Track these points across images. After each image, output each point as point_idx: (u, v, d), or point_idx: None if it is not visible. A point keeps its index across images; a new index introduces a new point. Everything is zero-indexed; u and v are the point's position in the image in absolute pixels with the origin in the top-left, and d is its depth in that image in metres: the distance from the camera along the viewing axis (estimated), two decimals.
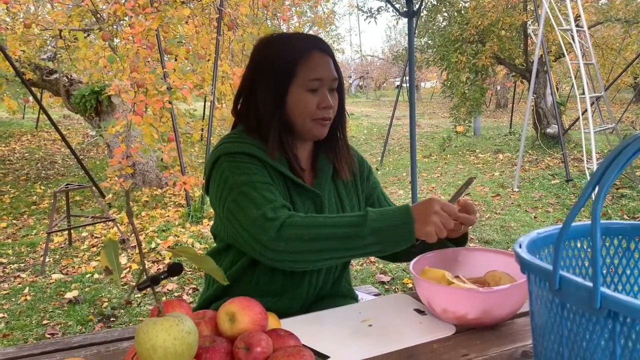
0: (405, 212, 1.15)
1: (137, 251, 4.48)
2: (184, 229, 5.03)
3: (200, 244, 4.63)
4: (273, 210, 1.18)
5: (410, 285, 3.59)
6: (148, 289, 0.85)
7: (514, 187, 6.25)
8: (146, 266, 4.12)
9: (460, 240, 1.41)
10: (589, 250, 0.97)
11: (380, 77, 29.10)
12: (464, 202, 1.31)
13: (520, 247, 0.88)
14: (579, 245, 0.97)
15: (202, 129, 7.64)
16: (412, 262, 1.24)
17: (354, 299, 1.51)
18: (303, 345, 0.96)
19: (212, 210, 5.58)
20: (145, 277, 0.85)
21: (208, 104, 10.36)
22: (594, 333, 0.71)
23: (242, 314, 0.98)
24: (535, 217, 5.10)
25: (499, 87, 16.77)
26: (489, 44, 8.11)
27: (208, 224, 5.17)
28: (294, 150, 1.37)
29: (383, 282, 3.71)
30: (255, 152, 1.30)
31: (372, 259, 4.12)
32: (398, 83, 32.29)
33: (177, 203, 6.07)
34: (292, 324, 1.11)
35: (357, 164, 1.50)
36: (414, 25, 3.22)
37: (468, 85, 8.33)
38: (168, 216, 5.52)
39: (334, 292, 1.44)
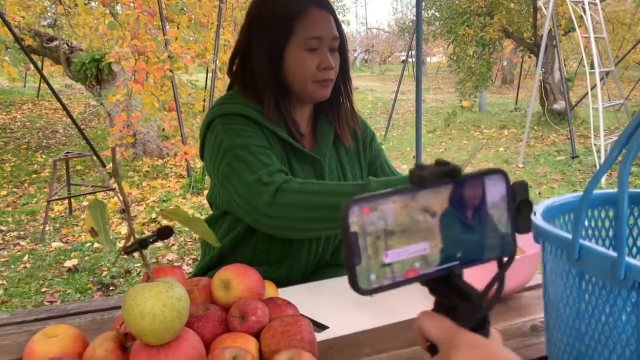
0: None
1: (137, 221, 4.45)
2: (184, 200, 4.99)
3: (201, 215, 4.59)
4: (269, 174, 1.12)
5: None
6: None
7: (519, 163, 6.18)
8: (145, 235, 4.09)
9: None
10: (606, 220, 0.91)
11: (385, 50, 28.70)
12: None
13: (534, 214, 0.82)
14: (596, 214, 0.91)
15: (204, 100, 7.55)
16: None
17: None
18: (301, 314, 0.91)
19: None
20: (133, 240, 0.80)
21: (210, 74, 10.23)
22: (615, 306, 0.66)
23: (237, 281, 0.93)
24: (539, 193, 5.04)
25: (505, 63, 16.53)
26: (497, 16, 7.93)
27: (211, 190, 5.13)
28: (292, 113, 1.29)
29: None
30: (251, 114, 1.23)
31: None
32: (403, 57, 31.89)
33: (178, 174, 6.02)
34: (291, 294, 1.06)
35: (359, 129, 1.43)
36: None
37: (475, 59, 8.18)
38: (169, 187, 5.48)
39: (334, 262, 1.39)
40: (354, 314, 1.07)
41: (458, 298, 0.51)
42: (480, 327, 0.51)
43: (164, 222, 4.35)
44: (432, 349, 0.52)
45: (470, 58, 8.18)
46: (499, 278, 0.52)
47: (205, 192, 5.21)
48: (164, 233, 0.84)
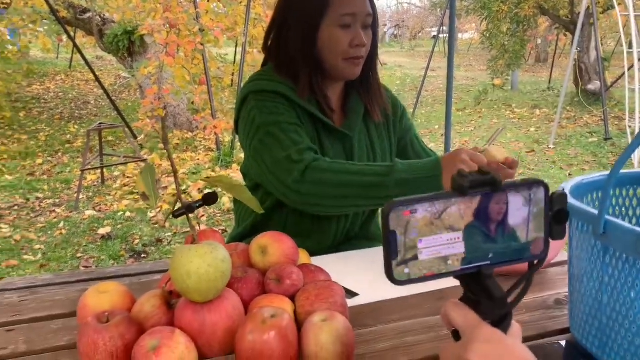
0: (434, 164, 1.11)
1: (167, 192, 4.56)
2: (214, 173, 5.08)
3: None
4: (298, 153, 1.16)
5: None
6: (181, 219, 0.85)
7: (550, 144, 6.10)
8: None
9: None
10: (634, 199, 0.93)
11: (416, 26, 28.22)
12: (509, 158, 1.24)
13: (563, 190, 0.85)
14: (624, 193, 0.93)
15: (233, 74, 7.59)
16: None
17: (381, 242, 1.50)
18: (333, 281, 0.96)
19: (241, 155, 5.62)
20: (180, 205, 0.85)
21: (239, 49, 10.25)
22: (638, 279, 0.69)
23: (274, 247, 0.98)
24: (570, 175, 4.99)
25: (539, 41, 16.13)
26: None
27: (237, 169, 5.21)
28: (324, 90, 1.32)
29: None
30: (284, 91, 1.27)
31: None
32: (434, 33, 31.30)
33: (207, 147, 6.12)
34: (321, 262, 1.11)
35: (390, 105, 1.45)
36: None
37: (508, 36, 8.01)
38: (198, 159, 5.58)
39: (363, 235, 1.44)
40: (381, 284, 1.10)
41: (483, 295, 0.55)
42: (501, 322, 0.56)
43: (194, 194, 4.45)
44: (456, 334, 0.57)
45: (504, 35, 8.01)
46: (527, 278, 0.57)
47: (234, 165, 5.31)
48: (210, 199, 0.89)
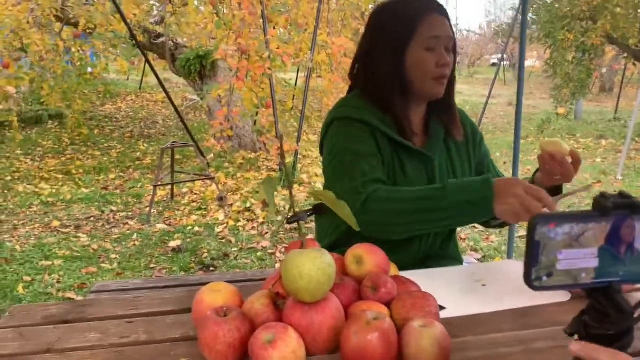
0: (485, 187, 1.13)
1: (233, 209, 4.72)
2: (276, 192, 5.22)
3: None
4: (364, 185, 1.25)
5: None
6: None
7: (618, 175, 5.91)
8: (240, 223, 4.30)
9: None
10: None
11: (475, 53, 28.06)
12: (574, 152, 1.25)
13: None
14: None
15: (294, 97, 7.81)
16: None
17: (460, 262, 1.54)
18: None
19: (302, 176, 5.74)
20: (293, 213, 0.94)
21: (301, 74, 10.51)
22: None
23: (368, 257, 1.06)
24: None
25: (604, 70, 15.69)
26: (601, 21, 7.58)
27: (299, 189, 5.33)
28: (407, 112, 1.40)
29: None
30: (367, 118, 1.35)
31: (462, 235, 4.10)
32: (494, 61, 31.06)
33: (269, 167, 6.30)
34: (407, 276, 1.17)
35: (469, 128, 1.52)
36: None
37: (574, 65, 7.87)
38: (261, 179, 5.75)
39: (443, 254, 1.48)
40: (468, 299, 1.15)
41: (612, 308, 0.62)
42: (626, 334, 0.62)
43: (258, 212, 4.58)
44: None
45: (569, 64, 7.87)
46: None
47: (295, 186, 5.43)
48: (319, 209, 0.98)
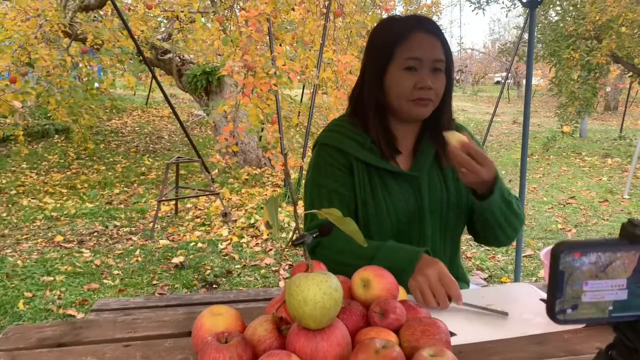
0: (411, 260, 1.19)
1: (237, 225, 4.69)
2: (280, 208, 5.19)
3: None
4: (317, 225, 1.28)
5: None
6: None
7: (625, 194, 5.86)
8: (244, 239, 4.26)
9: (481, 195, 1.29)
10: None
11: (479, 71, 28.14)
12: (465, 142, 1.18)
13: None
14: None
15: (300, 114, 7.81)
16: (542, 252, 1.22)
17: (466, 283, 1.50)
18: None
19: None
20: (298, 234, 0.90)
21: (307, 90, 10.54)
22: None
23: (376, 281, 1.02)
24: None
25: (609, 89, 15.69)
26: (606, 41, 7.58)
27: (303, 205, 5.29)
28: (393, 131, 1.38)
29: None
30: (344, 147, 1.35)
31: (468, 254, 4.04)
32: (498, 79, 31.14)
33: (274, 183, 6.27)
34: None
35: None
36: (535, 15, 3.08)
37: (579, 83, 7.85)
38: (265, 195, 5.72)
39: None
40: (480, 325, 1.11)
41: None
42: None
43: (262, 228, 4.54)
44: None
45: (574, 82, 7.86)
46: None
47: (300, 202, 5.40)
48: (326, 230, 0.95)
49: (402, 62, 1.29)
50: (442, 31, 1.35)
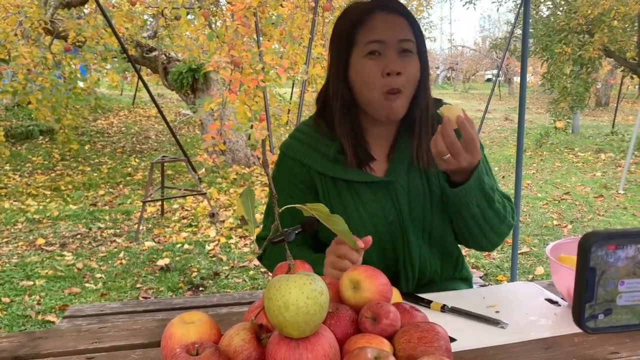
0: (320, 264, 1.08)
1: (225, 226, 4.57)
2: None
3: None
4: (263, 240, 1.24)
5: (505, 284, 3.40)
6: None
7: (619, 189, 5.80)
8: (232, 240, 4.15)
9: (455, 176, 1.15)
10: None
11: (470, 69, 28.13)
12: (460, 118, 1.05)
13: None
14: None
15: (289, 111, 7.70)
16: (548, 248, 1.12)
17: (469, 284, 1.40)
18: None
19: None
20: (279, 232, 0.80)
21: (296, 89, 10.43)
22: None
23: (367, 282, 0.91)
24: None
25: (599, 85, 15.71)
26: (598, 35, 7.53)
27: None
28: (366, 133, 1.22)
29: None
30: (308, 161, 1.22)
31: (463, 252, 3.95)
32: (489, 76, 31.10)
33: (263, 182, 6.15)
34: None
35: None
36: (528, 9, 3.00)
37: (571, 78, 7.80)
38: (255, 194, 5.60)
39: (445, 277, 1.33)
40: (482, 329, 1.01)
41: None
42: None
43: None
44: None
45: (567, 77, 7.80)
46: None
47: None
48: (309, 225, 0.84)
49: (364, 48, 1.12)
50: (408, 8, 1.18)
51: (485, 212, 1.16)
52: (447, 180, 1.17)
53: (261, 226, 1.34)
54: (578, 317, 0.44)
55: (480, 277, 3.40)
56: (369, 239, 1.01)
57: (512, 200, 1.26)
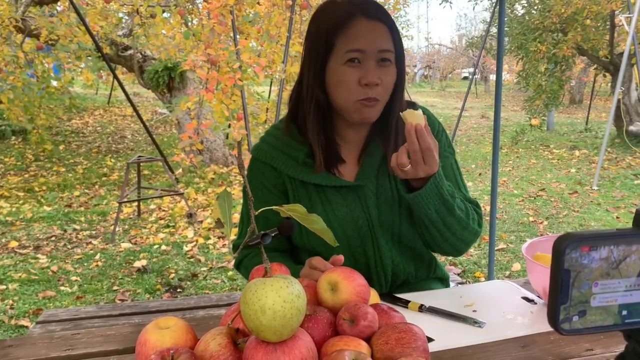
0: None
1: (203, 226, 4.53)
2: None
3: None
4: (238, 248, 1.19)
5: (483, 280, 3.43)
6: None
7: (593, 186, 5.91)
8: (211, 240, 4.12)
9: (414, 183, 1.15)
10: None
11: (447, 67, 28.38)
12: (418, 125, 1.05)
13: None
14: None
15: (267, 110, 7.68)
16: (524, 246, 1.13)
17: (446, 283, 1.40)
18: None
19: None
20: (255, 234, 0.78)
21: (274, 87, 10.38)
22: None
23: (344, 283, 0.91)
24: (617, 217, 4.78)
25: (573, 82, 15.99)
26: (571, 33, 7.66)
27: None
28: (338, 137, 1.22)
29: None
30: (277, 164, 1.21)
31: None
32: (465, 74, 31.42)
33: (241, 182, 6.11)
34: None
35: (444, 140, 1.28)
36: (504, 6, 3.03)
37: (546, 76, 7.92)
38: (233, 194, 5.56)
39: (420, 277, 1.33)
40: (459, 328, 1.02)
41: None
42: None
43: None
44: None
45: (541, 75, 7.92)
46: None
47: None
48: (286, 227, 0.83)
49: (343, 56, 1.11)
50: (389, 14, 1.16)
51: (446, 219, 1.16)
52: (405, 185, 1.18)
53: (237, 240, 1.34)
54: (553, 319, 0.44)
55: (458, 275, 3.43)
56: (341, 258, 1.01)
57: (480, 207, 1.26)
